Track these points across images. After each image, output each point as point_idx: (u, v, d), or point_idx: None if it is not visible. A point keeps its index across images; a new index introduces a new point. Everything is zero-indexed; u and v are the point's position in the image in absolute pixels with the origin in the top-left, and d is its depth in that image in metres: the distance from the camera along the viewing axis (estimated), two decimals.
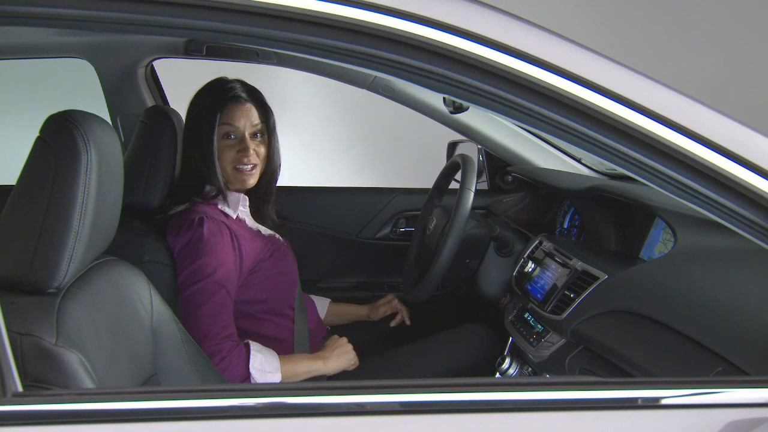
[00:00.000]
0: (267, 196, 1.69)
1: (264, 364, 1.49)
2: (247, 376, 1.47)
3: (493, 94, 0.85)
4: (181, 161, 1.62)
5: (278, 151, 1.66)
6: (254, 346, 1.51)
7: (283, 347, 1.62)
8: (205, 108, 1.57)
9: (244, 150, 1.57)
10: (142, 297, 1.25)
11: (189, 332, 1.38)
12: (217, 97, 1.58)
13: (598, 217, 1.80)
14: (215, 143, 1.56)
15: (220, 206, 1.59)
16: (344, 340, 1.68)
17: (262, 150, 1.61)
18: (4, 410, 0.77)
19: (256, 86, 1.66)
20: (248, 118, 1.58)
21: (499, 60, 0.84)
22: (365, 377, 1.69)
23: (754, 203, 0.86)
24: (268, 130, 1.63)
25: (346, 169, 3.91)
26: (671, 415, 0.85)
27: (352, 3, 0.82)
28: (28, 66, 2.64)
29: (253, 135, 1.60)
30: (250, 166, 1.58)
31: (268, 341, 1.58)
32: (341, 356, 1.64)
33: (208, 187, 1.60)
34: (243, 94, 1.59)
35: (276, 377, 1.50)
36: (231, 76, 1.65)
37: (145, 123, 1.62)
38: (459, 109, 1.72)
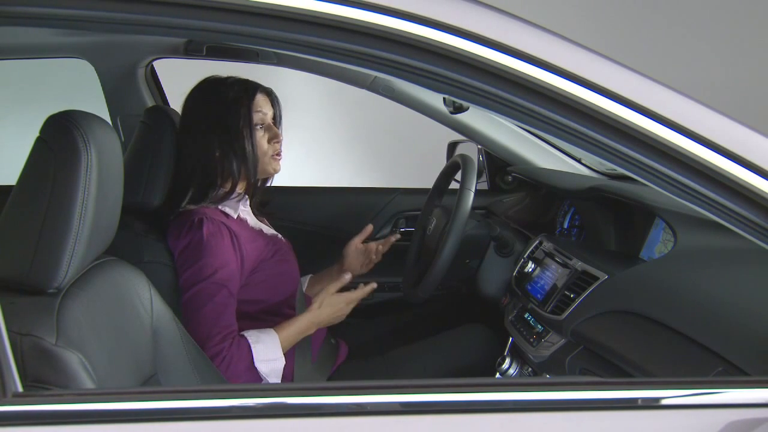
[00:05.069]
0: (264, 183, 1.72)
1: (267, 353, 1.50)
2: (252, 370, 1.48)
3: (493, 94, 0.85)
4: (187, 164, 1.58)
5: None
6: (251, 337, 1.51)
7: None
8: (232, 101, 1.57)
9: (275, 136, 1.62)
10: (143, 297, 1.25)
11: (191, 334, 1.37)
12: (241, 90, 1.59)
13: (598, 217, 1.80)
14: (256, 135, 1.58)
15: (220, 206, 1.59)
16: (331, 292, 1.60)
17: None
18: (4, 410, 0.77)
19: None
20: (269, 106, 1.63)
21: (499, 60, 0.84)
22: (365, 377, 1.68)
23: (754, 203, 0.86)
24: (277, 117, 1.67)
25: (346, 169, 3.91)
26: (671, 415, 0.85)
27: (352, 3, 0.82)
28: (28, 66, 2.64)
29: (273, 121, 1.64)
30: (280, 151, 1.63)
31: None
32: (332, 302, 1.59)
33: (219, 189, 1.59)
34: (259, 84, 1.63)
35: (281, 360, 1.52)
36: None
37: (145, 123, 1.62)
38: (459, 109, 1.72)
